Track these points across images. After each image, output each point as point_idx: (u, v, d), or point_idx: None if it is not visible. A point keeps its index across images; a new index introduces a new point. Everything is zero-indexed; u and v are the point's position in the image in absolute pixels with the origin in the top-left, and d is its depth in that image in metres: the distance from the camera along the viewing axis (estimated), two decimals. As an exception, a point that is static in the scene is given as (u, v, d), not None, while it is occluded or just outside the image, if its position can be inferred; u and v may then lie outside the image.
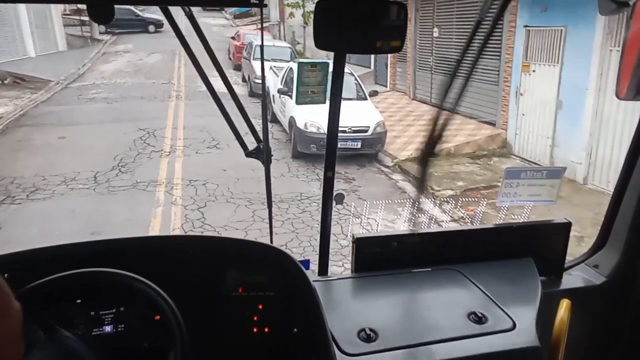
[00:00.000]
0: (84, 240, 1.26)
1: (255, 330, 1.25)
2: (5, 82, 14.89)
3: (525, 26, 8.99)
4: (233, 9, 33.37)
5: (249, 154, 1.64)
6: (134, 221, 6.31)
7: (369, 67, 16.63)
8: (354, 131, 8.58)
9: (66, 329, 1.10)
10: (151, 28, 27.61)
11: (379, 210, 6.23)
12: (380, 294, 1.53)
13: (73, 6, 22.85)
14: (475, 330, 1.37)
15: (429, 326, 1.38)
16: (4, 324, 0.62)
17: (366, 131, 8.76)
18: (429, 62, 12.88)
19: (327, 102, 1.52)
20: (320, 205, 1.65)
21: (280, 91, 9.71)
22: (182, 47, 1.43)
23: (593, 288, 1.77)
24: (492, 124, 10.15)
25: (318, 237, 1.71)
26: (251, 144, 1.64)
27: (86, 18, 21.90)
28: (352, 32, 1.27)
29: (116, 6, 1.14)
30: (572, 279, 1.79)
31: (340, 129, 1.53)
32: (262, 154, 1.62)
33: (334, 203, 1.68)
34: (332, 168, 1.57)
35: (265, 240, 1.60)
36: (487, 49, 10.12)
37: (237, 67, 17.34)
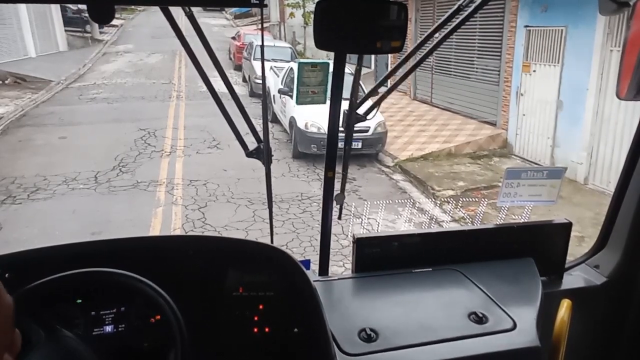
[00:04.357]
0: (84, 240, 1.26)
1: (255, 330, 1.25)
2: (6, 82, 14.89)
3: (526, 26, 8.99)
4: (233, 9, 33.41)
5: (249, 154, 1.63)
6: (134, 221, 6.31)
7: (370, 67, 16.62)
8: (355, 131, 8.54)
9: (67, 328, 1.10)
10: (88, 27, 25.08)
11: (379, 210, 6.23)
12: (381, 294, 1.53)
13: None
14: (475, 330, 1.37)
15: (430, 326, 1.38)
16: None
17: (367, 131, 8.75)
18: (430, 62, 12.86)
19: (328, 102, 1.52)
20: (321, 206, 1.65)
21: (280, 91, 9.71)
22: (183, 48, 1.43)
23: (594, 288, 1.77)
24: (493, 124, 10.14)
25: (318, 237, 1.71)
26: (252, 144, 1.63)
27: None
28: (352, 32, 1.27)
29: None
30: (572, 279, 1.79)
31: (340, 129, 1.53)
32: (262, 154, 1.61)
33: (334, 203, 1.68)
34: (332, 168, 1.57)
35: (266, 240, 1.59)
36: (488, 49, 10.15)
37: (238, 67, 17.36)
